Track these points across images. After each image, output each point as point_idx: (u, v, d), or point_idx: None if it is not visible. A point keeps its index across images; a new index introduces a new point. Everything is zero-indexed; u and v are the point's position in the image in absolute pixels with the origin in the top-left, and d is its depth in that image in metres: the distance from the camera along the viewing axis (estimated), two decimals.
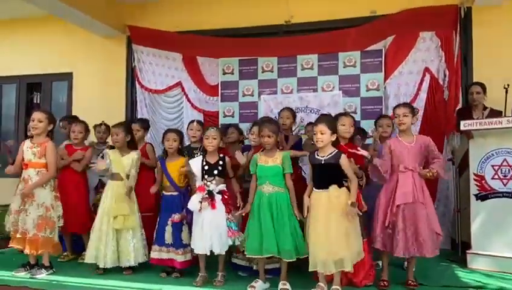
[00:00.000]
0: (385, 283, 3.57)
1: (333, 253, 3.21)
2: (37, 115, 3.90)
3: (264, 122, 3.65)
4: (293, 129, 4.65)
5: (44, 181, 3.83)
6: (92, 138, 5.14)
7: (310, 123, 5.01)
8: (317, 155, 3.43)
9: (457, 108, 5.21)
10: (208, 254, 3.59)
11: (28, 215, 3.79)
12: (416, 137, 3.68)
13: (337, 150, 3.39)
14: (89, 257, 3.92)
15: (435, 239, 3.52)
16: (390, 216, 3.51)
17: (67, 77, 6.88)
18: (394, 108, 3.82)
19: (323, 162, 3.37)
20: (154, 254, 3.86)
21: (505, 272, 3.96)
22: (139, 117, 6.22)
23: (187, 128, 4.55)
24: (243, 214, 3.62)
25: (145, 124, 4.97)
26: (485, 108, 4.86)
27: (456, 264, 4.33)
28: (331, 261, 3.22)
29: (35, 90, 7.18)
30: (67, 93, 6.94)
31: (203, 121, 6.09)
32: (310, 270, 3.32)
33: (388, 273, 3.63)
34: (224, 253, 3.62)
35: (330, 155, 3.38)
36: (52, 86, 7.06)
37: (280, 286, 3.40)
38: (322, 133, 3.36)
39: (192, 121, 4.51)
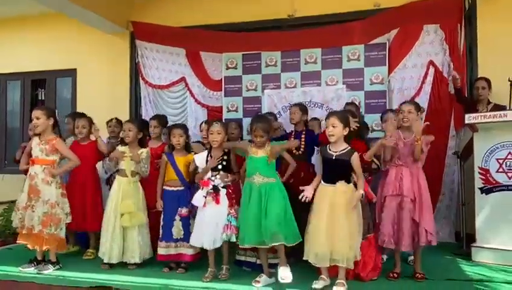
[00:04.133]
0: (395, 274, 3.62)
1: (331, 248, 3.24)
2: (34, 113, 3.93)
3: (256, 121, 3.61)
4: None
5: (70, 168, 3.95)
6: (104, 134, 5.19)
7: (313, 119, 5.03)
8: (329, 150, 3.43)
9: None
10: (211, 249, 3.61)
11: (34, 211, 3.83)
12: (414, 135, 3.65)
13: (349, 147, 3.39)
14: (101, 253, 3.98)
15: (415, 237, 3.55)
16: (379, 209, 3.66)
17: (72, 73, 6.91)
18: (401, 104, 3.84)
19: (334, 158, 3.37)
20: (162, 251, 3.87)
21: (509, 265, 3.96)
22: (143, 116, 6.29)
23: (199, 128, 4.58)
24: None
25: (163, 121, 4.89)
26: (489, 103, 4.83)
27: (461, 257, 4.33)
28: (326, 255, 3.25)
29: (39, 87, 7.22)
30: (71, 90, 6.97)
31: (207, 116, 6.17)
32: (303, 258, 3.35)
33: (400, 266, 3.69)
34: (220, 246, 3.61)
35: (342, 152, 3.37)
36: (57, 83, 7.10)
37: (280, 272, 3.36)
38: (333, 126, 3.35)
39: (203, 122, 4.53)
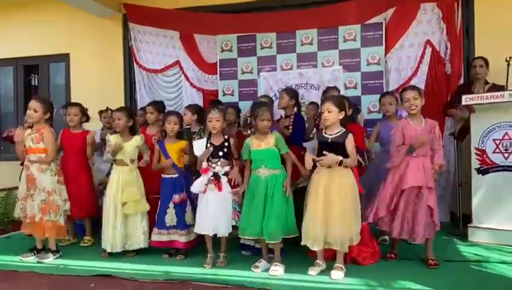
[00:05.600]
0: (392, 255, 3.66)
1: (325, 231, 3.25)
2: (33, 104, 3.88)
3: (262, 105, 3.60)
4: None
5: (42, 162, 3.86)
6: (98, 124, 5.17)
7: (311, 103, 4.99)
8: (325, 133, 3.42)
9: (459, 84, 5.14)
10: (211, 235, 3.63)
11: (33, 200, 3.85)
12: (425, 121, 3.61)
13: (345, 130, 3.38)
14: (103, 242, 3.97)
15: (429, 227, 3.52)
16: (396, 199, 3.55)
17: (64, 58, 6.80)
18: (401, 92, 3.77)
19: (329, 140, 3.36)
20: (155, 237, 3.91)
21: (505, 245, 4.01)
22: (138, 101, 6.29)
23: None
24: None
25: (159, 106, 4.78)
26: (486, 83, 4.81)
27: (457, 237, 4.38)
28: (320, 239, 3.27)
29: (32, 73, 7.13)
30: (65, 75, 6.88)
31: (203, 100, 6.12)
32: (301, 243, 3.37)
33: (397, 248, 3.72)
34: (227, 234, 3.65)
35: (338, 134, 3.37)
36: (50, 68, 7.00)
37: (272, 267, 3.41)
38: (329, 112, 3.34)
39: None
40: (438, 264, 3.50)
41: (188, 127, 4.51)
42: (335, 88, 4.66)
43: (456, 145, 4.87)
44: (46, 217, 3.82)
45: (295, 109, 4.34)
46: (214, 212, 3.59)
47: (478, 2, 5.24)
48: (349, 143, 3.34)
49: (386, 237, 4.12)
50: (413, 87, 3.73)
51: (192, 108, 4.69)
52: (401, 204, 3.53)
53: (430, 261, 3.54)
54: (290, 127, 4.19)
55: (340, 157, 3.28)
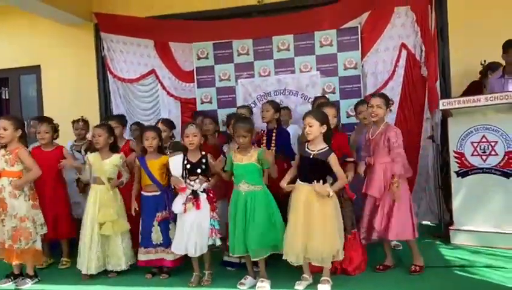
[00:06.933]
0: (381, 266, 3.66)
1: (308, 247, 3.22)
2: (1, 123, 3.72)
3: (238, 121, 3.53)
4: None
5: (31, 179, 3.74)
6: (70, 134, 4.99)
7: (284, 108, 4.99)
8: (307, 148, 3.38)
9: (472, 81, 5.07)
10: (188, 254, 3.55)
11: (4, 225, 3.70)
12: (384, 128, 3.61)
13: (327, 148, 3.33)
14: (79, 263, 3.85)
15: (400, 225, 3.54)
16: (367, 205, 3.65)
17: (35, 70, 6.61)
18: (370, 97, 3.79)
19: (311, 156, 3.33)
20: (142, 257, 3.80)
21: (487, 247, 4.08)
22: (114, 111, 6.11)
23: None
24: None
25: (122, 120, 4.74)
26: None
27: (440, 240, 4.43)
28: (301, 255, 3.23)
29: (2, 86, 6.90)
30: (36, 87, 6.68)
31: (180, 109, 6.04)
32: (283, 258, 3.32)
33: (391, 259, 3.72)
34: (205, 252, 3.57)
35: (320, 151, 3.31)
36: (20, 80, 6.79)
37: (258, 284, 3.37)
38: (310, 126, 3.30)
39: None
40: (421, 270, 3.53)
41: (178, 141, 4.42)
42: (323, 97, 4.65)
43: (434, 148, 4.92)
44: (16, 245, 3.66)
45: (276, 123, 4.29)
46: (189, 231, 3.51)
47: (451, 5, 5.29)
48: (334, 164, 3.28)
49: (396, 242, 4.11)
50: (381, 95, 3.73)
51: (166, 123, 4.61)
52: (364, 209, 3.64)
53: (413, 267, 3.56)
54: (273, 140, 4.14)
55: (330, 192, 3.22)
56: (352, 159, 3.73)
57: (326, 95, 5.21)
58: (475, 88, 4.84)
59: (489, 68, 4.73)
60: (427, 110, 5.29)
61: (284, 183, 3.42)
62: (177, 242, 3.57)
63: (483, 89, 4.75)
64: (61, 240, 4.33)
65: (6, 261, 3.80)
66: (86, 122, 4.93)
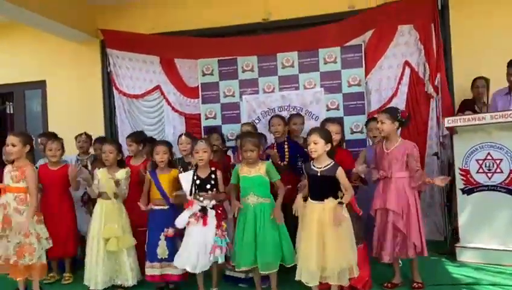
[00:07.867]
0: (389, 284, 3.67)
1: (324, 266, 3.20)
2: (10, 140, 3.73)
3: (245, 136, 3.58)
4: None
5: (31, 215, 3.69)
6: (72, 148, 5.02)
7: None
8: (313, 166, 3.38)
9: (463, 99, 5.14)
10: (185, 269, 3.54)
11: (9, 241, 3.68)
12: (399, 143, 3.65)
13: (333, 162, 3.34)
14: (86, 279, 3.85)
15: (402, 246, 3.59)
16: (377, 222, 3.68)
17: (41, 85, 6.64)
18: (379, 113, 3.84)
19: (319, 174, 3.33)
20: (149, 271, 3.79)
21: (493, 264, 4.07)
22: (119, 127, 6.22)
23: (177, 141, 4.51)
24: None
25: (139, 137, 4.65)
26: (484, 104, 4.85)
27: (445, 257, 4.42)
28: (316, 274, 3.21)
29: (7, 100, 6.93)
30: (41, 102, 6.71)
31: (185, 124, 6.08)
32: (296, 279, 3.30)
33: (399, 277, 3.72)
34: (212, 268, 3.57)
35: (326, 167, 3.33)
36: (25, 95, 6.82)
37: None
38: (315, 143, 3.32)
39: (181, 135, 4.45)
40: (423, 287, 3.54)
41: (181, 157, 4.45)
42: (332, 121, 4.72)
43: (438, 165, 4.94)
44: (21, 260, 3.63)
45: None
46: (193, 247, 3.50)
47: (454, 22, 5.37)
48: (341, 177, 3.29)
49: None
50: (385, 111, 3.76)
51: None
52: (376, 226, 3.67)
53: (415, 284, 3.59)
54: (286, 152, 4.18)
55: (346, 214, 3.25)
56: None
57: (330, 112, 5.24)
58: (466, 107, 4.84)
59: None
60: (431, 128, 5.32)
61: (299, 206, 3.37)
62: (180, 256, 3.55)
63: (475, 106, 4.84)
64: (65, 258, 4.32)
65: (13, 278, 3.77)
66: (88, 137, 5.00)
